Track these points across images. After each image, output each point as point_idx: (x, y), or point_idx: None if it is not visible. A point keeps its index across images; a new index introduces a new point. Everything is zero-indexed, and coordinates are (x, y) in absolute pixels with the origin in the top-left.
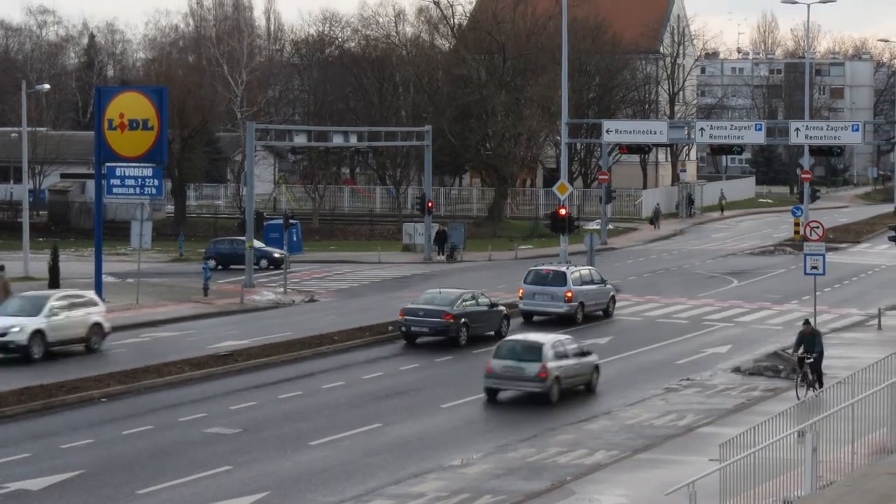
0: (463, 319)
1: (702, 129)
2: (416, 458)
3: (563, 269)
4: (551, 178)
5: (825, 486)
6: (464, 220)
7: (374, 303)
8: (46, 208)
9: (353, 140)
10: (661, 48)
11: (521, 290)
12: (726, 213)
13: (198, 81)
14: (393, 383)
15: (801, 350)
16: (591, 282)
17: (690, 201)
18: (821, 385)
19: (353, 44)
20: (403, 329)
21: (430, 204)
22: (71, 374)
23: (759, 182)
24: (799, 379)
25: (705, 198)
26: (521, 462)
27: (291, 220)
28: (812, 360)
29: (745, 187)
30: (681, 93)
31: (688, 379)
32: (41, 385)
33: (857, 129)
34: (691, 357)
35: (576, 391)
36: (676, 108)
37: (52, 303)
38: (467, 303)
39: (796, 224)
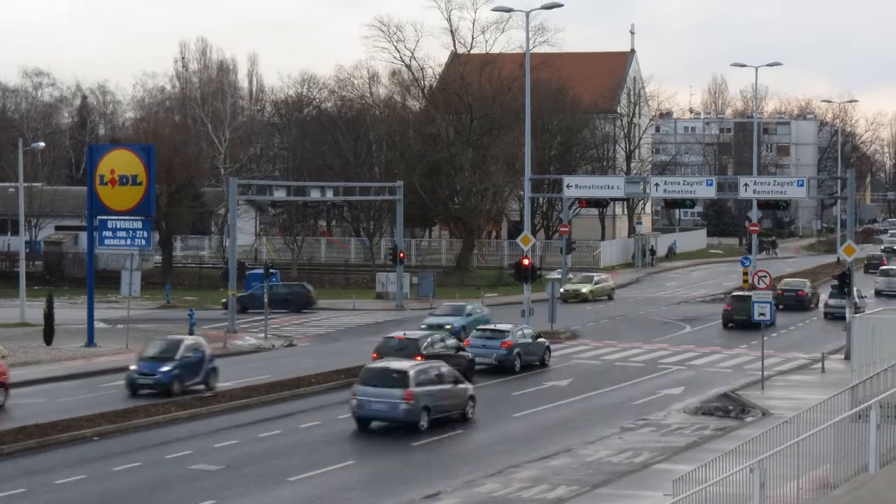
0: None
1: (656, 184)
2: (388, 493)
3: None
4: (515, 230)
5: None
6: (433, 269)
7: (349, 347)
8: (42, 258)
9: (330, 194)
10: (619, 108)
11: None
12: (679, 262)
13: (184, 139)
14: None
15: None
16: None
17: (652, 252)
18: None
19: (329, 104)
20: None
21: (401, 254)
22: None
23: (710, 234)
24: None
25: (659, 249)
26: (487, 496)
27: (271, 270)
28: None
29: (697, 239)
30: (637, 150)
31: (643, 419)
32: (36, 424)
33: (802, 185)
34: (647, 398)
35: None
36: (633, 165)
37: None
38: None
39: (745, 273)
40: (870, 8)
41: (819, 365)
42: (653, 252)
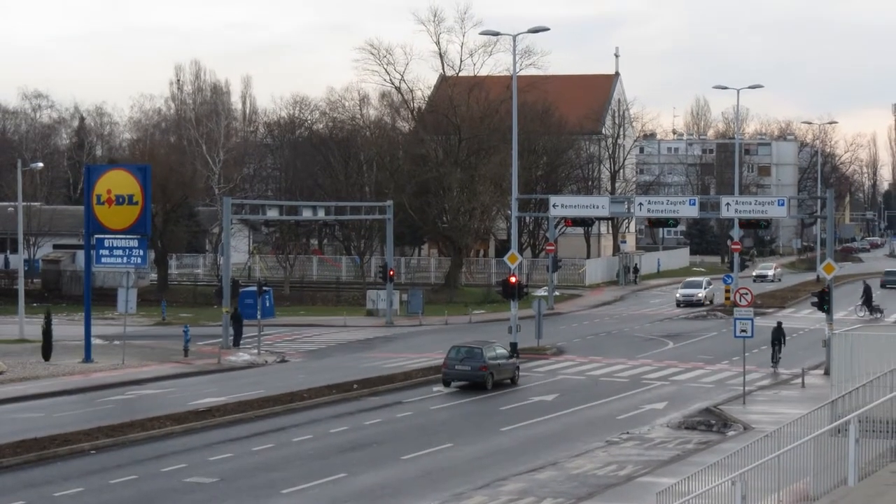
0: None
1: (640, 203)
2: None
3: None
4: (503, 248)
5: None
6: (422, 287)
7: (341, 363)
8: (40, 276)
9: (321, 214)
10: (604, 130)
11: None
12: (663, 280)
13: (179, 160)
14: (357, 437)
15: None
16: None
17: (636, 270)
18: None
19: (321, 125)
20: None
21: (391, 272)
22: None
23: (692, 252)
24: None
25: (643, 267)
26: None
27: (264, 288)
28: None
29: (680, 257)
30: (621, 170)
31: (627, 433)
32: (35, 438)
33: (782, 204)
34: (631, 413)
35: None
36: (617, 185)
37: None
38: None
39: (727, 291)
40: (850, 34)
41: (799, 380)
42: (636, 270)
